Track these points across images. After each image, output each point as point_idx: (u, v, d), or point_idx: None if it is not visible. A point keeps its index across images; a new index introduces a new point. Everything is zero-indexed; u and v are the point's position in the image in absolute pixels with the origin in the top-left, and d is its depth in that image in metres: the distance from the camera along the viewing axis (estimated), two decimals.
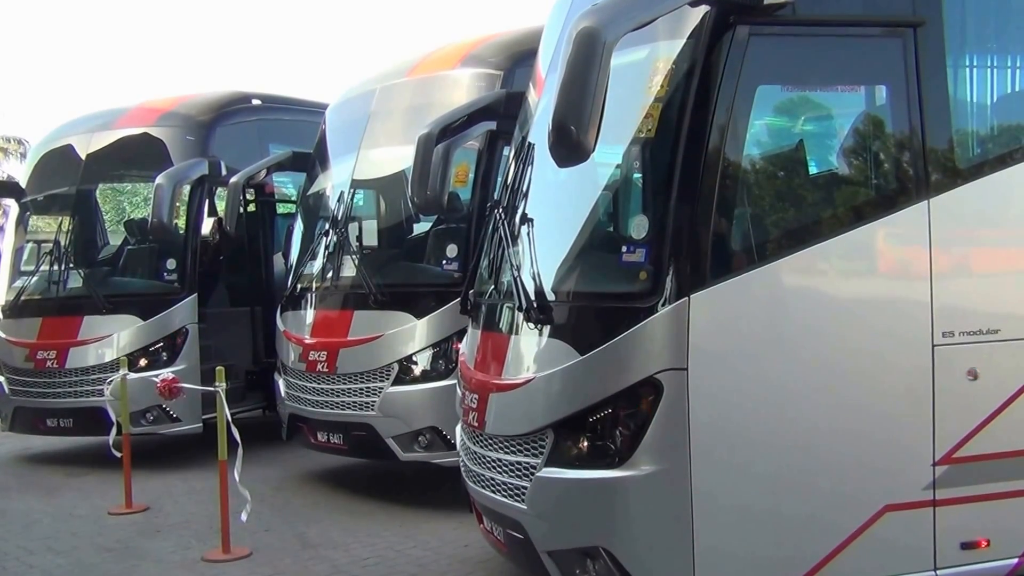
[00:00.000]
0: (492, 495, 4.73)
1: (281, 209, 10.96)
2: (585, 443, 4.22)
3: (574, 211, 4.69)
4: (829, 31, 4.33)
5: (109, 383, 8.02)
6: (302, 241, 8.55)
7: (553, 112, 3.69)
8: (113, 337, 9.22)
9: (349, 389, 7.33)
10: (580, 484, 4.21)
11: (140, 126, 10.00)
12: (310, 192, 8.75)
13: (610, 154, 4.43)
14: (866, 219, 4.27)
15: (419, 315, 7.09)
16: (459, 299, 5.72)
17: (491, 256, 5.16)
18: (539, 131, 4.61)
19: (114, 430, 7.89)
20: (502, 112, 6.78)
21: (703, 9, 4.07)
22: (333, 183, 8.21)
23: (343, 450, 7.74)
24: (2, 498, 8.46)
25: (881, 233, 4.29)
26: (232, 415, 6.45)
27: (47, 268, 9.88)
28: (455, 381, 5.56)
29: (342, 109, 8.56)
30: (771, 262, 4.14)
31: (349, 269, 7.60)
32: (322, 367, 7.49)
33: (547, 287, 4.47)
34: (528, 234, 4.65)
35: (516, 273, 4.59)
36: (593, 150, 3.73)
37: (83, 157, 10.06)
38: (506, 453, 4.60)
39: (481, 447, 4.86)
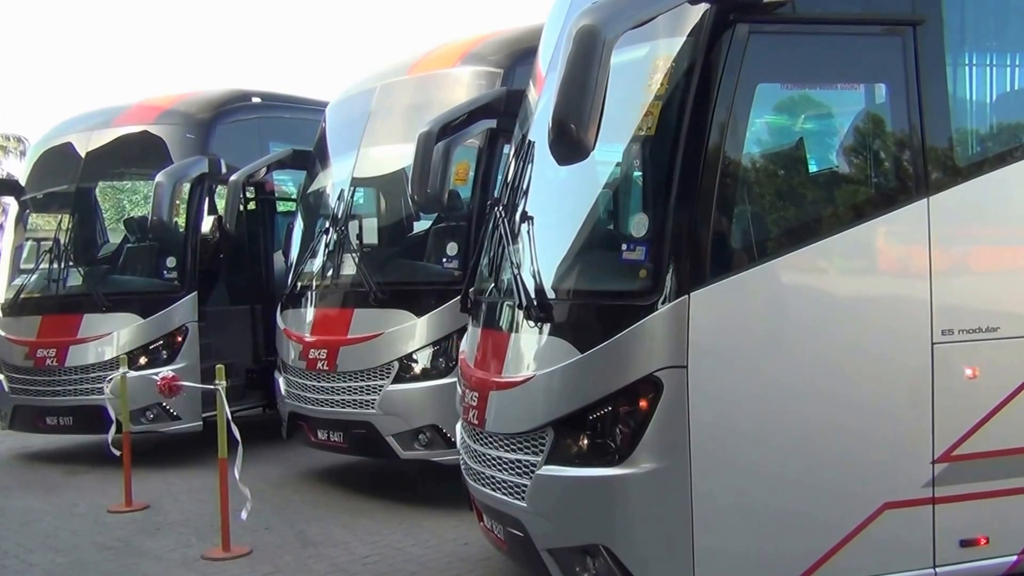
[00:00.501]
0: (492, 493, 4.74)
1: (281, 207, 10.96)
2: (585, 441, 4.22)
3: (574, 209, 4.70)
4: (829, 29, 4.33)
5: (109, 381, 8.03)
6: (302, 239, 8.54)
7: (553, 110, 3.70)
8: (113, 335, 9.22)
9: (349, 387, 7.34)
10: (580, 482, 4.22)
11: (140, 124, 10.00)
12: (310, 190, 8.76)
13: (610, 152, 4.44)
14: (866, 217, 4.28)
15: (419, 313, 7.10)
16: (459, 297, 5.72)
17: (491, 254, 5.16)
18: (539, 129, 4.61)
19: (113, 428, 7.90)
20: (502, 110, 6.79)
21: (703, 7, 4.07)
22: (333, 181, 8.21)
23: (343, 448, 7.75)
24: (2, 496, 8.46)
25: (881, 231, 4.29)
26: (232, 413, 6.45)
27: (47, 266, 9.88)
28: (455, 379, 5.57)
29: (342, 107, 8.56)
30: (771, 260, 4.15)
31: (349, 267, 7.60)
32: (322, 365, 7.50)
33: (547, 285, 4.48)
34: (528, 232, 4.65)
35: (516, 271, 4.59)
36: (593, 148, 3.73)
37: (83, 155, 10.05)
38: (506, 451, 4.61)
39: (481, 445, 4.86)
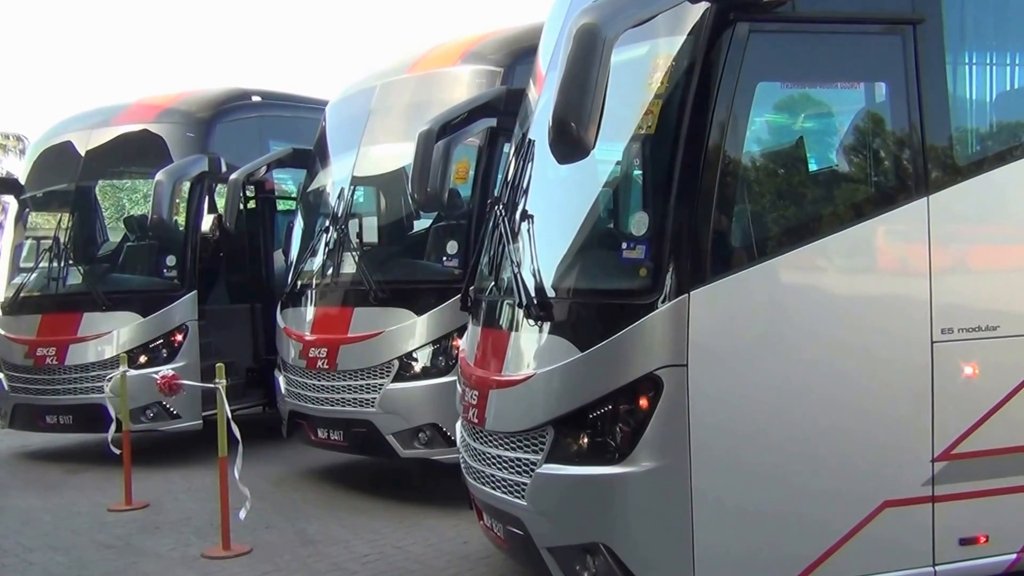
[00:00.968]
0: (492, 491, 4.74)
1: (281, 206, 10.95)
2: (585, 439, 4.22)
3: (574, 208, 4.70)
4: (829, 28, 4.33)
5: (109, 380, 8.03)
6: (302, 238, 8.54)
7: (553, 109, 3.70)
8: (113, 334, 9.22)
9: (349, 386, 7.34)
10: (580, 480, 4.22)
11: (140, 122, 9.99)
12: (310, 189, 8.76)
13: (610, 151, 4.44)
14: (866, 216, 4.28)
15: (419, 312, 7.10)
16: (459, 296, 5.72)
17: (491, 253, 5.16)
18: (539, 128, 4.61)
19: (113, 427, 7.90)
20: (502, 109, 6.79)
21: (703, 6, 4.07)
22: (333, 180, 8.21)
23: (343, 447, 7.75)
24: (1, 495, 8.45)
25: (881, 230, 4.29)
26: (232, 412, 6.45)
27: (46, 265, 9.88)
28: (455, 377, 5.57)
29: (342, 106, 8.56)
30: (771, 259, 4.15)
31: (349, 266, 7.60)
32: (322, 364, 7.50)
33: (547, 284, 4.48)
34: (528, 231, 4.65)
35: (516, 270, 4.59)
36: (593, 147, 3.73)
37: (82, 153, 10.05)
38: (506, 449, 4.61)
39: (481, 443, 4.86)
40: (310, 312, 7.91)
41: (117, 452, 7.78)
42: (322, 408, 7.59)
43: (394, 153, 7.75)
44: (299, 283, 8.15)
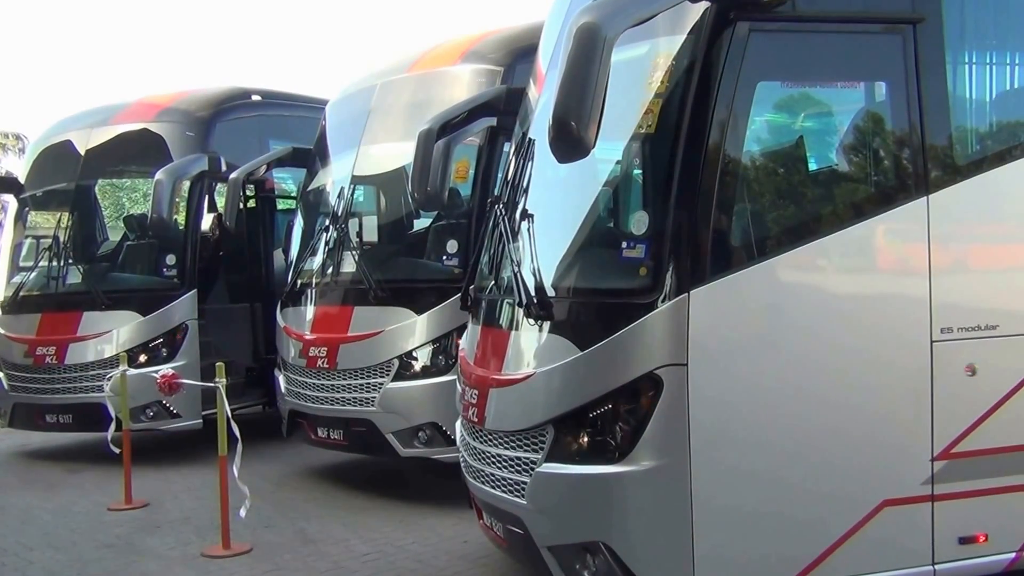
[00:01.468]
0: (492, 491, 4.74)
1: (281, 205, 10.95)
2: (585, 439, 4.23)
3: (574, 207, 4.70)
4: (829, 27, 4.33)
5: (109, 379, 8.04)
6: (302, 237, 8.55)
7: (554, 108, 3.70)
8: (112, 333, 9.22)
9: (349, 385, 7.34)
10: (580, 479, 4.22)
11: (139, 122, 10.00)
12: (310, 188, 8.76)
13: (610, 150, 4.44)
14: (866, 215, 4.28)
15: (419, 311, 7.10)
16: (459, 295, 5.72)
17: (491, 252, 5.16)
18: (539, 127, 4.61)
19: (113, 426, 7.90)
20: (502, 108, 6.79)
21: (703, 5, 4.07)
22: (333, 179, 8.21)
23: (343, 446, 7.76)
24: (1, 494, 8.46)
25: (880, 229, 4.30)
26: (232, 411, 6.45)
27: (46, 264, 9.88)
28: (455, 377, 5.57)
29: (342, 105, 8.56)
30: (771, 258, 4.15)
31: (349, 265, 7.60)
32: (322, 363, 7.50)
33: (547, 283, 4.48)
34: (528, 230, 4.65)
35: (516, 269, 4.59)
36: (593, 146, 3.73)
37: (82, 153, 10.05)
38: (506, 449, 4.61)
39: (481, 443, 4.86)
40: (310, 311, 7.92)
41: (117, 451, 7.79)
42: (322, 407, 7.59)
43: (394, 152, 7.74)
44: (299, 282, 8.15)
